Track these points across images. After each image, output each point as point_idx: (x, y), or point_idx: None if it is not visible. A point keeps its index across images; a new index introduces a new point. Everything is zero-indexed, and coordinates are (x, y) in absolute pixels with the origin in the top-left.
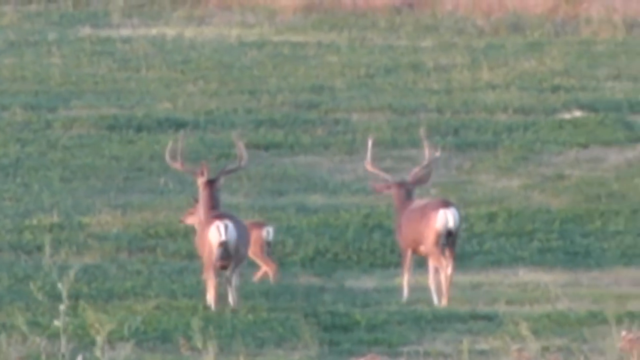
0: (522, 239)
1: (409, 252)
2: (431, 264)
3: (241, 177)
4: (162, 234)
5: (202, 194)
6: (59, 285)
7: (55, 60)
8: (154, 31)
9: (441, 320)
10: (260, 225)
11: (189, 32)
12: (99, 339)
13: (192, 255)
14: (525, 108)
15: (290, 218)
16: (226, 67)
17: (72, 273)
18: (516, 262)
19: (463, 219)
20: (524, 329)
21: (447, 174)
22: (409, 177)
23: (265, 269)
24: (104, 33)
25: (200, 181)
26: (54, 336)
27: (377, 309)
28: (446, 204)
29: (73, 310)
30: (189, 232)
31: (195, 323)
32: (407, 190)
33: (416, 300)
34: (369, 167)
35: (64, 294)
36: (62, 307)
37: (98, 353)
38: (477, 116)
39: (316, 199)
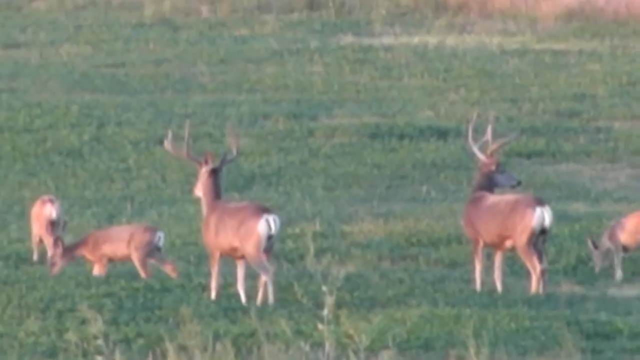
0: None
1: (481, 244)
2: (500, 257)
3: None
4: (425, 242)
5: (206, 182)
6: (324, 289)
7: (318, 69)
8: (415, 39)
9: None
10: (152, 230)
11: (451, 41)
12: (362, 347)
13: (455, 263)
14: None
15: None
16: (488, 75)
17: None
18: None
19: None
20: None
21: None
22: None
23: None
24: (366, 41)
25: (205, 169)
26: (316, 344)
27: (639, 317)
28: (541, 202)
29: (335, 318)
30: (452, 240)
31: (459, 332)
32: (489, 173)
33: None
34: (469, 145)
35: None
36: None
37: None
38: None
39: (578, 207)
